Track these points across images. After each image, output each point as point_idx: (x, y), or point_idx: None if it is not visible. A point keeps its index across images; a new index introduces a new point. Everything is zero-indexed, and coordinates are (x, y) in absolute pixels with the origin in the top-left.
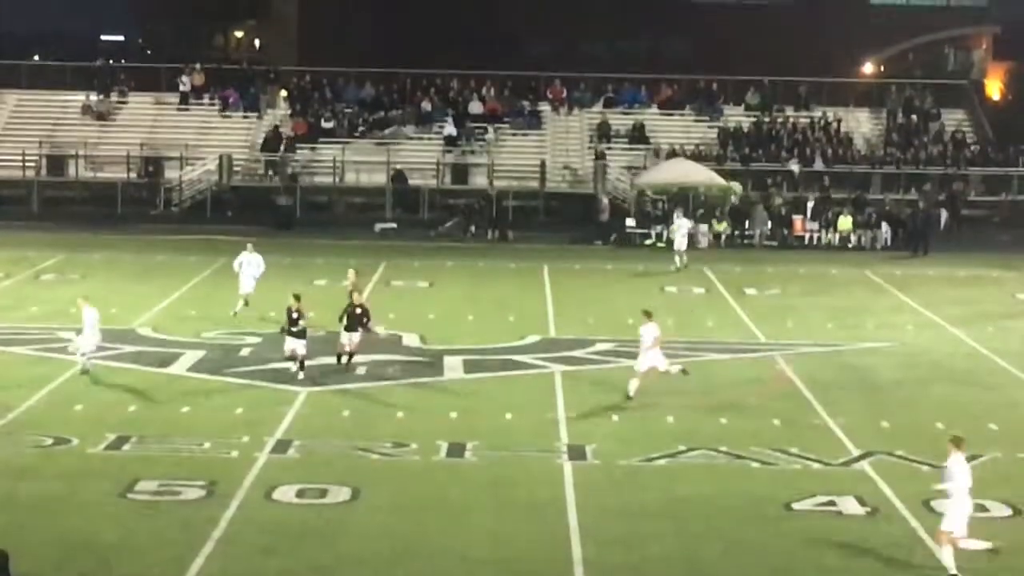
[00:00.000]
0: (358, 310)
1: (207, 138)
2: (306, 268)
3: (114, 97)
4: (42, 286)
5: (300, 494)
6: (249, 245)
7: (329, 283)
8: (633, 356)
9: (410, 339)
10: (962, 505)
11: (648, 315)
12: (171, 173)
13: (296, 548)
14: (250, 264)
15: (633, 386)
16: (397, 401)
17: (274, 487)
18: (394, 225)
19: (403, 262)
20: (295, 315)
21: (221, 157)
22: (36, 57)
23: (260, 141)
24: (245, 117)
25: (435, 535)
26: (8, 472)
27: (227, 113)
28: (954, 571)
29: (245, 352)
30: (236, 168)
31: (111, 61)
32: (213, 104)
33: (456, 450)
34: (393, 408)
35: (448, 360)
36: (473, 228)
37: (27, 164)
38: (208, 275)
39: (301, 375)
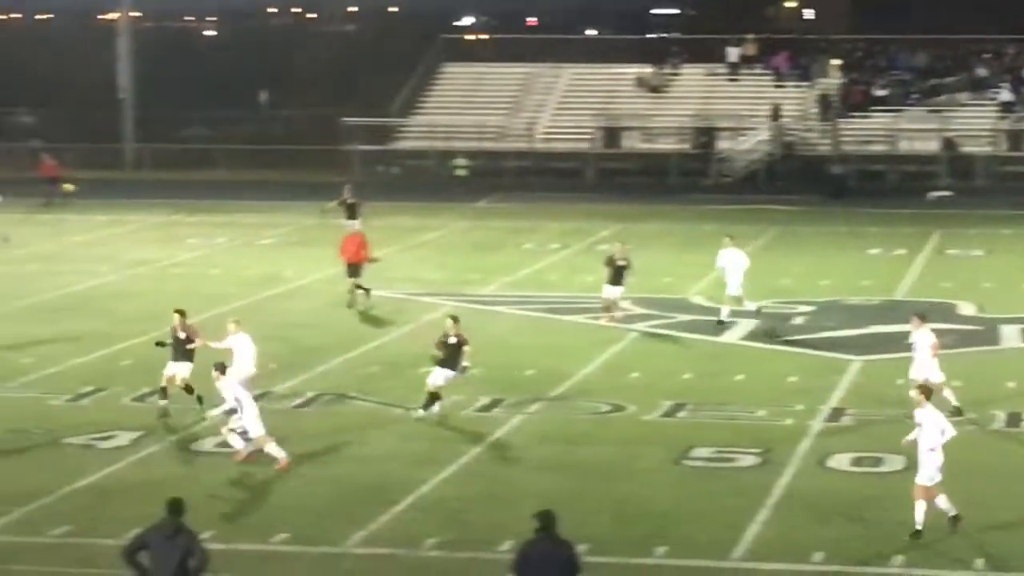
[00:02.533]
0: None
1: (759, 108)
2: (859, 237)
3: (667, 69)
4: (598, 257)
5: (855, 462)
6: (726, 239)
7: (882, 252)
8: None
9: (966, 308)
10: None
11: (922, 318)
12: (724, 143)
13: (851, 517)
14: (734, 262)
15: (951, 395)
16: (951, 370)
17: (828, 455)
18: (949, 193)
19: (957, 231)
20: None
21: (774, 126)
22: (592, 31)
23: (812, 110)
24: (797, 86)
25: (988, 506)
26: (566, 438)
27: (780, 83)
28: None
29: (798, 320)
30: (789, 138)
31: (664, 34)
32: (765, 74)
33: (1013, 420)
34: (948, 377)
35: (1005, 329)
36: None
37: (583, 137)
38: (760, 244)
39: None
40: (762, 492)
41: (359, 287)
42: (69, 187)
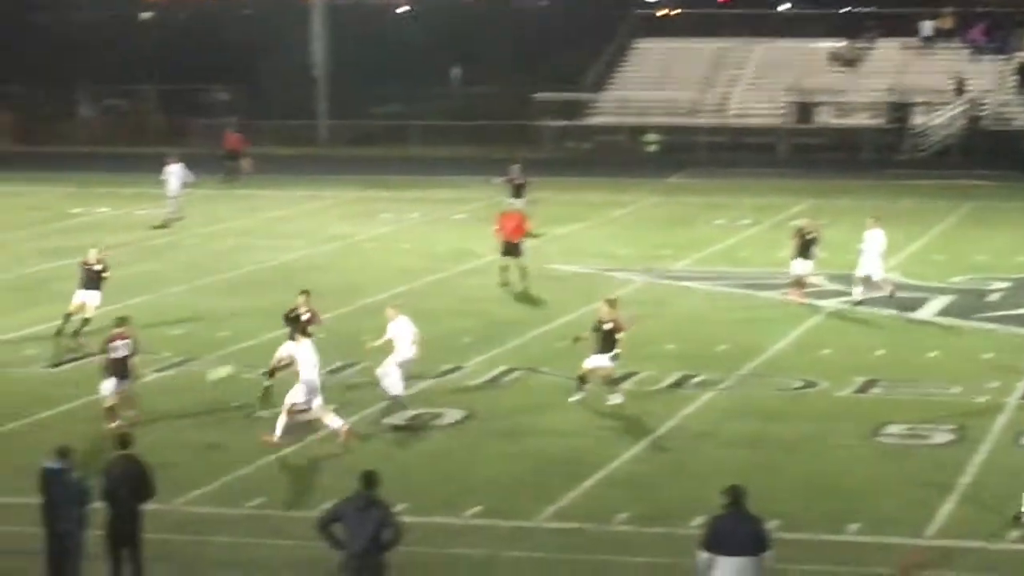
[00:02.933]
0: None
1: (954, 82)
2: None
3: (861, 43)
4: (790, 232)
5: None
6: (870, 220)
7: None
8: None
9: None
10: None
11: None
12: (918, 118)
13: None
14: (874, 242)
15: None
16: None
17: None
18: None
19: None
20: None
21: (967, 100)
22: (786, 5)
23: (1009, 84)
24: (993, 60)
25: None
26: (757, 414)
27: (976, 56)
28: None
29: (994, 297)
30: (984, 112)
31: (858, 8)
32: (961, 47)
33: None
34: None
35: None
36: None
37: (775, 112)
38: (954, 220)
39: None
40: (956, 469)
41: (506, 268)
42: (247, 163)
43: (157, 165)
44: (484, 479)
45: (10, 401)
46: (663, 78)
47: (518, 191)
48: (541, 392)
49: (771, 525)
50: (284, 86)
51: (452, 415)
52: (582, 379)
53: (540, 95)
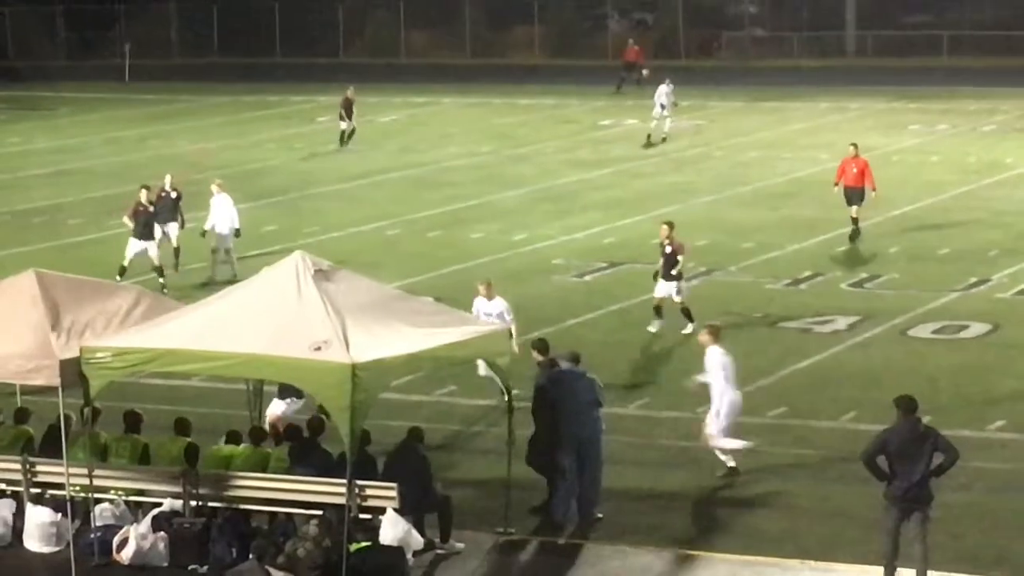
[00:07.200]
0: None
1: None
2: None
3: None
4: None
5: None
6: None
7: None
8: None
9: None
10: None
11: None
12: None
13: None
14: None
15: None
16: None
17: None
18: None
19: None
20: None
21: None
22: None
23: None
24: None
25: None
26: None
27: None
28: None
29: None
30: None
31: None
32: None
33: None
34: None
35: None
36: None
37: None
38: None
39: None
40: None
41: (855, 220)
42: (646, 73)
43: (687, 78)
44: (1010, 392)
45: (545, 308)
46: None
47: None
48: None
49: None
50: None
51: (978, 328)
52: (657, 310)
53: None
